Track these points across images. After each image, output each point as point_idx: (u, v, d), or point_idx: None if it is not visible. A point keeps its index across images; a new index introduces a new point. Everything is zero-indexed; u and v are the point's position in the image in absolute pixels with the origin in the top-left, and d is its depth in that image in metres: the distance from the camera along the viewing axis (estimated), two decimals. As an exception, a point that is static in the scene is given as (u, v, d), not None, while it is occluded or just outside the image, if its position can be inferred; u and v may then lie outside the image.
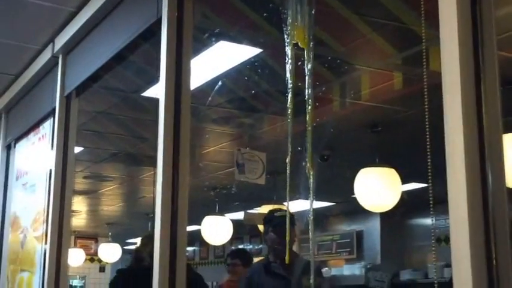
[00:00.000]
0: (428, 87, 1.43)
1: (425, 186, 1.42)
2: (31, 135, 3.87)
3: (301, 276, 3.39)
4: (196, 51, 3.13)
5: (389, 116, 4.42)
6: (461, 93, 1.17)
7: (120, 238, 10.99)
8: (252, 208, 6.75)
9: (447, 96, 1.20)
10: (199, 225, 6.97)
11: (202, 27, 3.02)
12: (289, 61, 1.71)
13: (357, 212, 6.83)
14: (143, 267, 4.10)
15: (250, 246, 10.05)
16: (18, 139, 4.17)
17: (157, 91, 2.26)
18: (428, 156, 1.33)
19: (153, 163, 2.20)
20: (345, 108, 4.46)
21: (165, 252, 2.07)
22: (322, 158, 4.96)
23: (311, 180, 1.67)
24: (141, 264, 4.19)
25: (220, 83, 3.77)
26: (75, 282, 12.62)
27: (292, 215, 3.30)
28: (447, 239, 5.86)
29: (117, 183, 7.49)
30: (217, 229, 6.99)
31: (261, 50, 3.36)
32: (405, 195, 4.86)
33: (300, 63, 1.70)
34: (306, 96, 1.69)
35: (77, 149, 4.75)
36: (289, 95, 1.71)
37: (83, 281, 12.85)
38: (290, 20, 1.73)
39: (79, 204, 8.79)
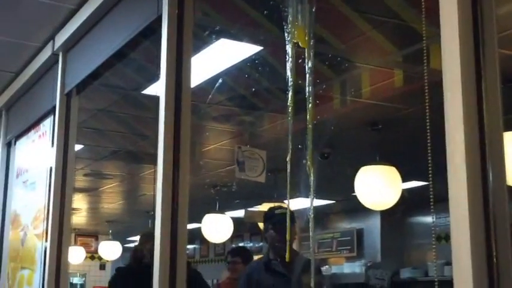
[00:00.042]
0: (429, 85, 1.43)
1: (425, 184, 1.42)
2: (31, 133, 3.87)
3: (301, 274, 3.38)
4: (197, 48, 3.13)
5: (389, 114, 4.42)
6: (462, 91, 1.17)
7: (120, 236, 11.00)
8: (252, 206, 6.75)
9: (448, 94, 1.19)
10: (200, 223, 6.97)
11: (203, 25, 3.02)
12: (290, 59, 1.71)
13: (358, 210, 6.82)
14: (142, 265, 4.10)
15: (251, 244, 10.05)
16: (18, 137, 4.17)
17: (158, 89, 2.26)
18: (429, 154, 1.33)
19: (154, 161, 2.20)
20: (346, 106, 4.46)
21: (165, 250, 2.07)
22: (322, 156, 4.96)
23: (311, 178, 1.67)
24: (140, 263, 4.19)
25: (220, 80, 3.77)
26: (75, 280, 12.64)
27: (292, 212, 3.30)
28: (447, 237, 5.85)
29: (118, 181, 7.49)
30: (217, 227, 6.99)
31: (261, 48, 3.36)
32: (406, 193, 4.86)
33: (300, 60, 1.70)
34: (307, 94, 1.69)
35: (77, 147, 4.75)
36: (290, 93, 1.71)
37: (83, 279, 12.86)
38: (291, 18, 1.72)
39: (79, 202, 8.79)
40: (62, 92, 3.29)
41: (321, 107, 4.08)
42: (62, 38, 3.22)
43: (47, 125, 3.56)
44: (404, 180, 4.73)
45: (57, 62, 3.37)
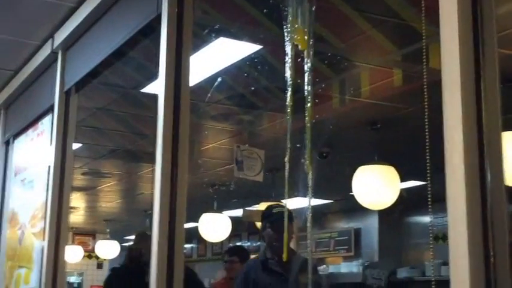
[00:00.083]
0: (428, 85, 1.43)
1: (423, 184, 1.42)
2: (30, 131, 3.86)
3: (298, 274, 3.38)
4: (196, 47, 3.13)
5: (388, 113, 4.42)
6: (461, 91, 1.17)
7: (118, 235, 10.99)
8: (250, 205, 6.75)
9: (447, 94, 1.19)
10: (197, 222, 6.97)
11: (202, 23, 3.02)
12: (289, 59, 1.71)
13: (355, 209, 6.82)
14: (137, 265, 4.10)
15: (248, 244, 10.05)
16: (17, 135, 4.16)
17: (157, 87, 2.25)
18: (427, 154, 1.33)
19: (152, 160, 2.20)
20: (345, 106, 4.46)
21: (163, 249, 2.06)
22: (321, 156, 4.96)
23: (310, 177, 1.67)
24: (135, 262, 4.19)
25: (219, 79, 3.77)
26: (72, 279, 12.63)
27: (290, 211, 3.30)
28: (445, 237, 5.85)
29: (116, 179, 7.49)
30: (215, 226, 6.99)
31: (260, 47, 3.36)
32: (404, 192, 4.86)
33: (299, 59, 1.70)
34: (306, 93, 1.69)
35: (76, 145, 4.75)
36: (289, 93, 1.71)
37: (81, 278, 12.86)
38: (290, 18, 1.72)
39: (77, 201, 8.79)
40: (61, 91, 3.28)
41: (320, 106, 4.08)
42: (61, 36, 3.22)
43: (45, 123, 3.55)
44: (402, 179, 4.74)
45: (56, 60, 3.37)
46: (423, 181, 1.70)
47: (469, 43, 1.19)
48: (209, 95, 3.95)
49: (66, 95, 3.28)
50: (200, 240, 9.82)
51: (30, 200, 3.64)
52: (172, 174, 2.12)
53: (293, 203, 2.33)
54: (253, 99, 4.37)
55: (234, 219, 7.11)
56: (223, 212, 7.14)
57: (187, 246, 11.69)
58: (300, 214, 2.22)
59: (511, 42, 3.12)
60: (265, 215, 3.75)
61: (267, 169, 4.35)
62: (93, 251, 12.12)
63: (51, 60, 3.45)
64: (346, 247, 8.32)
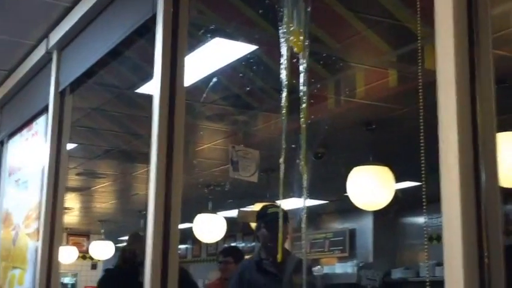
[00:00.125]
0: (423, 85, 1.43)
1: (418, 185, 1.42)
2: (24, 131, 3.85)
3: (293, 274, 3.37)
4: (192, 47, 3.13)
5: (383, 114, 4.43)
6: (456, 92, 1.17)
7: (112, 235, 10.97)
8: (245, 206, 6.75)
9: (442, 95, 1.20)
10: (192, 223, 6.96)
11: (198, 24, 3.02)
12: (284, 60, 1.71)
13: (350, 210, 6.83)
14: (130, 266, 4.09)
15: (243, 244, 10.05)
16: (11, 135, 4.15)
17: (152, 87, 2.25)
18: (422, 155, 1.34)
19: (147, 160, 2.20)
20: (340, 106, 4.47)
21: (157, 250, 2.06)
22: (316, 156, 4.97)
23: (305, 178, 1.67)
24: (128, 263, 4.17)
25: (215, 79, 3.77)
26: (66, 280, 12.60)
27: (285, 212, 3.30)
28: (439, 238, 5.86)
29: (111, 180, 7.47)
30: (209, 227, 6.98)
31: (256, 47, 3.36)
32: (398, 193, 4.87)
33: (295, 60, 1.70)
34: (301, 94, 1.69)
35: (71, 146, 4.73)
36: (284, 93, 1.71)
37: (75, 279, 12.83)
38: (286, 19, 1.72)
39: (72, 201, 8.77)
40: (56, 91, 3.27)
41: (315, 107, 4.09)
42: (56, 36, 3.21)
43: (40, 123, 3.54)
44: (397, 180, 4.74)
45: (51, 60, 3.36)
46: (418, 182, 1.71)
47: (464, 44, 1.19)
48: (204, 95, 3.95)
49: (60, 95, 3.27)
50: (195, 240, 9.81)
51: (24, 200, 3.63)
52: (167, 174, 2.12)
53: (288, 204, 2.33)
54: (248, 99, 4.37)
55: (228, 220, 7.10)
56: (218, 213, 7.13)
57: (181, 246, 11.67)
58: (295, 215, 2.22)
59: (506, 43, 3.13)
60: (260, 215, 3.75)
61: (262, 170, 4.35)
62: (87, 251, 12.09)
63: (46, 60, 3.44)
64: (340, 248, 8.32)
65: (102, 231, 10.99)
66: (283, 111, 1.72)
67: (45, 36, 3.33)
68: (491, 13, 1.20)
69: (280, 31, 1.72)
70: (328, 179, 5.24)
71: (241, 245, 9.95)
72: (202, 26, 3.08)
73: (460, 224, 1.12)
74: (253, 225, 5.05)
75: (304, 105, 1.67)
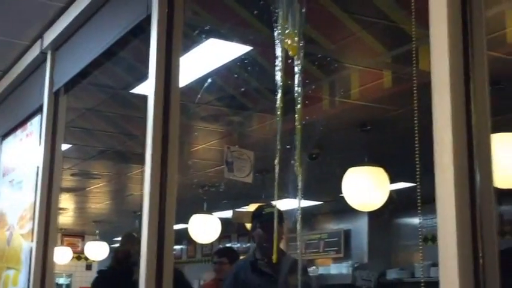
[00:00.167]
0: (418, 87, 1.43)
1: (413, 186, 1.43)
2: (19, 132, 3.84)
3: (288, 275, 3.37)
4: (186, 48, 3.12)
5: (378, 115, 4.43)
6: (451, 93, 1.17)
7: (107, 236, 10.95)
8: (240, 207, 6.75)
9: (436, 96, 1.20)
10: (187, 223, 6.95)
11: (193, 24, 3.01)
12: (279, 61, 1.71)
13: (345, 211, 6.84)
14: (124, 266, 4.08)
15: (238, 245, 10.05)
16: (5, 135, 4.14)
17: (147, 88, 2.25)
18: (417, 156, 1.34)
19: (142, 161, 2.19)
20: (334, 107, 4.47)
21: (152, 250, 2.06)
22: (311, 157, 4.97)
23: (299, 178, 1.67)
24: (122, 264, 4.16)
25: (209, 80, 3.77)
26: (61, 281, 12.56)
27: (281, 212, 3.29)
28: (434, 238, 5.88)
29: (105, 180, 7.46)
30: (204, 227, 6.98)
31: (251, 48, 3.36)
32: (393, 194, 4.87)
33: (289, 61, 1.70)
34: (296, 95, 1.69)
35: (65, 146, 4.72)
36: (279, 94, 1.71)
37: (70, 279, 12.80)
38: (281, 20, 1.72)
39: (66, 202, 8.75)
40: (50, 91, 3.27)
41: (310, 108, 4.09)
42: (50, 36, 3.20)
43: (34, 123, 3.53)
44: (392, 181, 4.75)
45: (45, 60, 3.35)
46: (413, 183, 1.71)
47: (459, 45, 1.20)
48: (199, 96, 3.95)
49: (55, 96, 3.27)
50: (190, 241, 9.80)
51: (18, 201, 3.62)
52: (161, 175, 2.12)
53: (283, 205, 2.33)
54: (243, 100, 4.37)
55: (223, 221, 7.10)
56: (213, 213, 7.13)
57: (176, 247, 11.66)
58: (290, 215, 2.22)
59: (501, 45, 3.14)
60: (256, 215, 3.74)
61: (256, 170, 4.35)
62: (82, 252, 12.07)
63: (40, 60, 3.43)
64: (335, 248, 8.33)
65: (97, 231, 10.97)
66: (278, 112, 1.72)
67: (40, 36, 3.32)
68: (486, 14, 1.20)
69: (275, 32, 1.72)
70: (323, 180, 5.24)
71: (236, 245, 9.95)
72: (197, 27, 3.08)
73: (454, 224, 1.12)
74: (248, 225, 5.05)
75: (299, 106, 1.67)
